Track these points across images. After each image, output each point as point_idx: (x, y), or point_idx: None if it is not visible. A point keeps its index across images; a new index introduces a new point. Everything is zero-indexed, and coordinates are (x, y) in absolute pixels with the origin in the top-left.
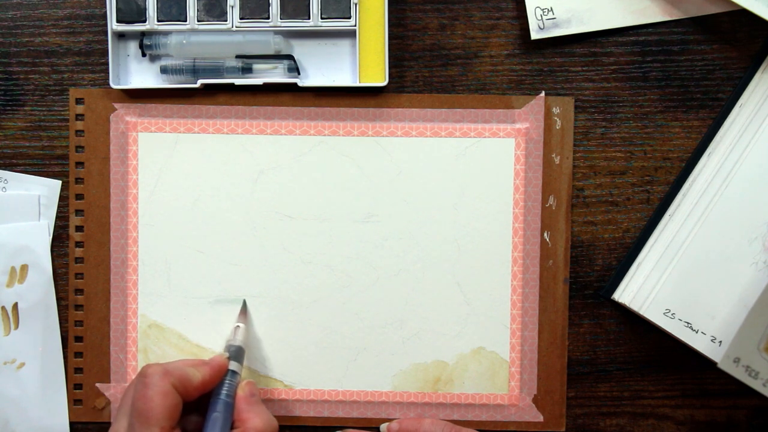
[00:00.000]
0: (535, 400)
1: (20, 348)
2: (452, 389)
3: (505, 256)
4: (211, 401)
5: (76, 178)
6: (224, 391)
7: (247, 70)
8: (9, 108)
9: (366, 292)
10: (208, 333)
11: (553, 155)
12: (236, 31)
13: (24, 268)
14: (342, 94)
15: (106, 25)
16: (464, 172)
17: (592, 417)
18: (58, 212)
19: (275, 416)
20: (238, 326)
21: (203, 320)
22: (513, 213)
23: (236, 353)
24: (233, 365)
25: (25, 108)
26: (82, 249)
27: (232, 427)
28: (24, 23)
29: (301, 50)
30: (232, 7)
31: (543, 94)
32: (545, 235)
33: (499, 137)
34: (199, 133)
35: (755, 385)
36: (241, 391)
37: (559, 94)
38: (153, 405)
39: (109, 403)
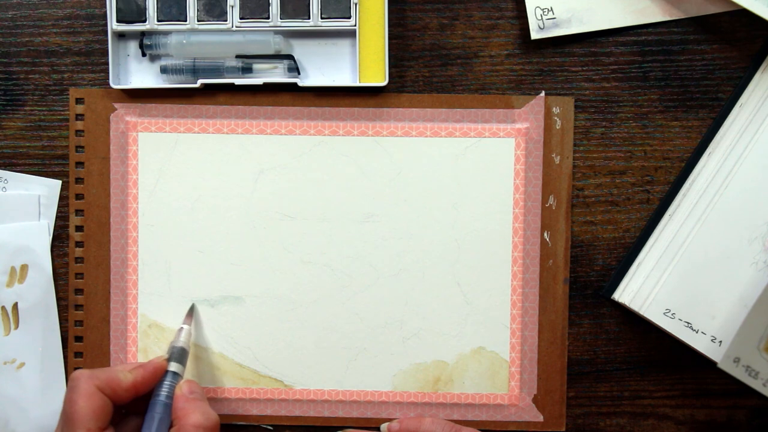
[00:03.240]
0: (535, 400)
1: (20, 348)
2: (452, 389)
3: (505, 256)
4: (150, 403)
5: (76, 178)
6: (163, 392)
7: (247, 70)
8: (9, 108)
9: (366, 292)
10: (208, 333)
11: (553, 155)
12: (236, 31)
13: (24, 267)
14: (342, 94)
15: (106, 25)
16: (464, 172)
17: (592, 417)
18: (58, 212)
19: (276, 416)
20: (182, 328)
21: (203, 320)
22: (513, 213)
23: (178, 355)
24: (174, 366)
25: (25, 108)
26: (82, 249)
27: (172, 426)
28: (24, 23)
29: (301, 50)
30: (232, 7)
31: (543, 94)
32: (545, 235)
33: (499, 137)
34: (199, 133)
35: (755, 385)
36: (179, 390)
37: (559, 94)
38: (77, 407)
39: None
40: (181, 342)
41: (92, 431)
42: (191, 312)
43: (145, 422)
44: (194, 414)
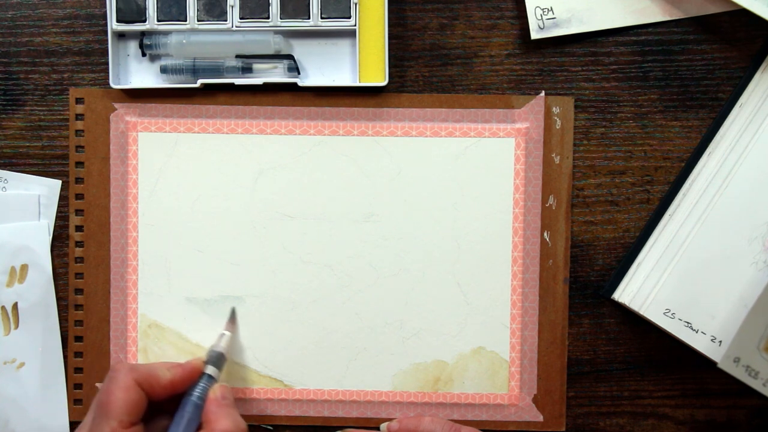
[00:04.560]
0: (535, 400)
1: (20, 348)
2: (452, 389)
3: (505, 255)
4: (182, 402)
5: (76, 178)
6: (196, 393)
7: (247, 70)
8: (9, 108)
9: (366, 292)
10: (208, 333)
11: (553, 155)
12: (236, 30)
13: (24, 267)
14: (342, 94)
15: (106, 24)
16: (464, 171)
17: (592, 417)
18: (58, 212)
19: (276, 416)
20: (223, 334)
21: (203, 320)
22: (513, 213)
23: (216, 359)
24: (210, 370)
25: (25, 108)
26: (82, 249)
27: (200, 428)
28: (24, 23)
29: (301, 50)
30: (232, 6)
31: (543, 93)
32: (545, 234)
33: (499, 137)
34: (199, 133)
35: (755, 385)
36: (212, 394)
37: (559, 94)
38: (114, 398)
39: None
40: (221, 347)
41: (124, 424)
42: (233, 318)
43: (175, 420)
44: (224, 420)
